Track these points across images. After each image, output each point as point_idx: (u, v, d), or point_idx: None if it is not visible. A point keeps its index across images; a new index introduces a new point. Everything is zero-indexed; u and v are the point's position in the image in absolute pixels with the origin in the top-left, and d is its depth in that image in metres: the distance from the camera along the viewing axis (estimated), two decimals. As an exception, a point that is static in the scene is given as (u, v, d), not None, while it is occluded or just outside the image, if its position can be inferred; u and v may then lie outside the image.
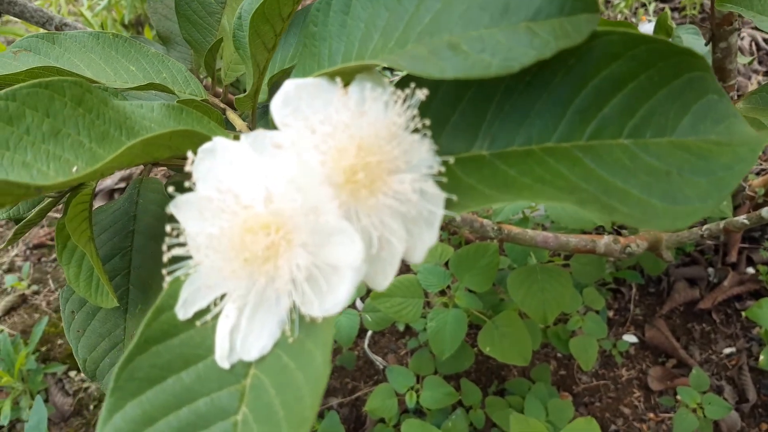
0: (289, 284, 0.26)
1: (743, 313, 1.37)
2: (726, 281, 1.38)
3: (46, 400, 1.32)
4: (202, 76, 0.71)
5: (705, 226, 0.97)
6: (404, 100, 0.27)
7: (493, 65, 0.27)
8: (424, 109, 0.30)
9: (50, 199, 0.46)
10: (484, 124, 0.31)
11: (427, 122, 0.27)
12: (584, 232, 1.24)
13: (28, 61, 0.49)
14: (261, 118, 0.53)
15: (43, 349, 1.42)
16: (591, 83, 0.29)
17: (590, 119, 0.30)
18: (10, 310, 1.48)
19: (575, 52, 0.29)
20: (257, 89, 0.43)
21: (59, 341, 1.46)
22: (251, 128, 0.47)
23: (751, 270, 1.40)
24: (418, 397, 1.12)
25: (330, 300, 0.26)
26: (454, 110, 0.31)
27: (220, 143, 0.28)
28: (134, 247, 0.48)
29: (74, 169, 0.32)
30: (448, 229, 1.60)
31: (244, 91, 0.46)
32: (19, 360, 1.29)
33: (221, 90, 0.62)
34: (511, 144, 0.30)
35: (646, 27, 0.94)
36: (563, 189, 0.27)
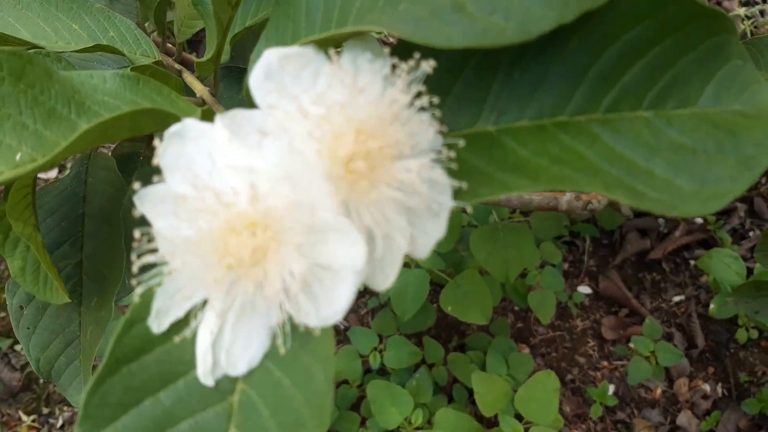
0: (281, 291, 0.23)
1: (692, 262, 1.42)
2: (676, 231, 1.41)
3: (-11, 378, 1.25)
4: (150, 30, 0.64)
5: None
6: (407, 73, 0.24)
7: (508, 31, 0.23)
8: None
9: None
10: (491, 95, 0.27)
11: (436, 100, 0.24)
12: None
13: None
14: (222, 80, 0.48)
15: (-17, 324, 1.34)
16: (611, 47, 0.26)
17: (608, 89, 0.27)
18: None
19: (594, 13, 0.25)
20: (220, 51, 0.38)
21: (1, 314, 1.37)
22: (213, 93, 0.42)
23: (699, 220, 1.44)
24: (382, 357, 1.11)
25: (328, 308, 0.23)
26: (457, 79, 0.28)
27: (191, 126, 0.24)
28: (85, 232, 0.43)
29: (17, 156, 0.27)
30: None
31: (190, 44, 0.41)
32: (-43, 337, 1.21)
33: (172, 46, 0.56)
34: (520, 118, 0.27)
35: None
36: (584, 171, 0.25)
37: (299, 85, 0.24)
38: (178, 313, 0.24)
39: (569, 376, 1.32)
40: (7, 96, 0.28)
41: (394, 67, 0.24)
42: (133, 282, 0.23)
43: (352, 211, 0.23)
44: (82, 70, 0.47)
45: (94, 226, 0.44)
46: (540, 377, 1.08)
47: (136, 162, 0.53)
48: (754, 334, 1.30)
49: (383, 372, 1.20)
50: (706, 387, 1.30)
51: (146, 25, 0.59)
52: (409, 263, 1.13)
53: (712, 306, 1.23)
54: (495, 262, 1.06)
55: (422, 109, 0.24)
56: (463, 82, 0.28)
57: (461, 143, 0.25)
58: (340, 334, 1.35)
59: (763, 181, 1.47)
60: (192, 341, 0.24)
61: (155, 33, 0.62)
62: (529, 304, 1.23)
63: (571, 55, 0.26)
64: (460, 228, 1.09)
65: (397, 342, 1.14)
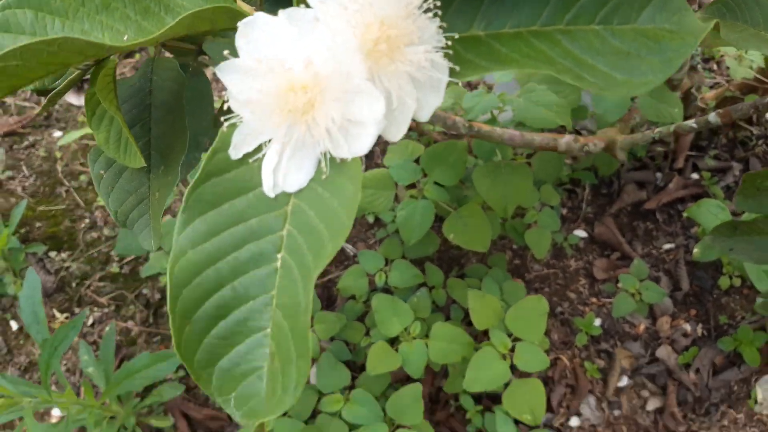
0: (324, 132, 0.33)
1: (684, 214, 1.51)
2: (671, 184, 1.50)
3: (29, 278, 1.38)
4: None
5: (657, 129, 1.05)
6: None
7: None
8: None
9: (78, 71, 0.50)
10: (482, 8, 0.37)
11: (438, 3, 0.33)
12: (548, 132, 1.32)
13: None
14: (265, 2, 0.57)
15: (23, 230, 1.46)
16: (572, -22, 0.35)
17: (569, 8, 0.36)
18: (-14, 194, 1.51)
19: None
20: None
21: (38, 224, 1.50)
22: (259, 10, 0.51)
23: (695, 176, 1.52)
24: (386, 277, 1.23)
25: (357, 145, 0.33)
26: (457, -5, 0.37)
27: (260, 17, 0.33)
28: (152, 118, 0.53)
29: (125, 37, 0.37)
30: (417, 129, 1.66)
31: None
32: (1, 240, 1.33)
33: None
34: (503, 27, 0.36)
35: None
36: (544, 62, 0.34)
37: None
38: (249, 147, 0.35)
39: (559, 309, 1.43)
40: (116, -6, 0.38)
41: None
42: (222, 119, 0.33)
43: (375, 79, 0.33)
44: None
45: (159, 114, 0.54)
46: (531, 300, 1.18)
47: (186, 71, 0.63)
48: (737, 281, 1.39)
49: (387, 291, 1.31)
50: (687, 326, 1.41)
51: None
52: (415, 195, 1.24)
53: (696, 249, 1.33)
54: (494, 196, 1.16)
55: (428, 10, 0.33)
56: (462, -2, 0.37)
57: (456, 35, 0.35)
58: (350, 258, 1.46)
59: (759, 142, 1.55)
60: (257, 168, 0.35)
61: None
62: (526, 240, 1.33)
63: (542, -19, 0.36)
64: (464, 166, 1.19)
65: (401, 265, 1.25)
